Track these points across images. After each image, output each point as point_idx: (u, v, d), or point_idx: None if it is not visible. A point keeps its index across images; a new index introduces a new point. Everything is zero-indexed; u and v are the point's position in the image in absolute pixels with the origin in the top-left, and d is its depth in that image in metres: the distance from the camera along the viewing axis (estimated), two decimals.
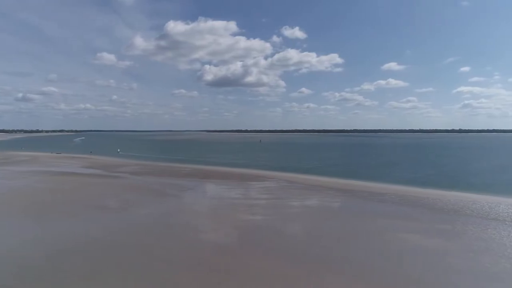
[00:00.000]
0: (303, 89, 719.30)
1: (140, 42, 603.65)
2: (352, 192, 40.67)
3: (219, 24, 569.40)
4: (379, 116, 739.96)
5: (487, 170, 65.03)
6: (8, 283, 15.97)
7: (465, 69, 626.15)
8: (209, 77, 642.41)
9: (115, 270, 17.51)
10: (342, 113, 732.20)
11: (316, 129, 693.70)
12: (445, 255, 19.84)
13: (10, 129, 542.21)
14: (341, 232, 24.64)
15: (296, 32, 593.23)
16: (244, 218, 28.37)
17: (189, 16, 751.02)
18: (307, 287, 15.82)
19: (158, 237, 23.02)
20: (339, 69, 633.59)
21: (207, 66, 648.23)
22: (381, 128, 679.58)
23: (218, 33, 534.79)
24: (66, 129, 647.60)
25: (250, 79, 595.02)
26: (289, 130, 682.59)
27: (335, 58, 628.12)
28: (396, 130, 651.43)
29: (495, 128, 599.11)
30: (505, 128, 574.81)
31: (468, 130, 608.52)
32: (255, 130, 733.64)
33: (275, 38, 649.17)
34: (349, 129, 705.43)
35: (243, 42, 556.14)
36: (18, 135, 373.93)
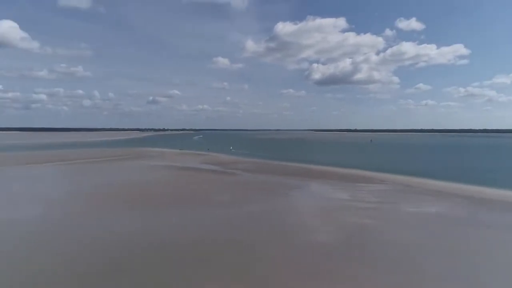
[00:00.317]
0: (420, 85, 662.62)
1: (251, 45, 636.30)
2: (482, 201, 35.74)
3: (327, 21, 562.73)
4: None
5: None
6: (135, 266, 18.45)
7: None
8: (316, 75, 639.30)
9: (217, 267, 18.36)
10: (469, 111, 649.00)
11: (436, 128, 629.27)
12: None
13: (143, 127, 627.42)
14: (466, 249, 21.69)
15: (413, 24, 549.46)
16: (352, 221, 27.38)
17: (298, 16, 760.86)
18: None
19: (263, 235, 23.71)
20: (464, 61, 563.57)
21: (315, 65, 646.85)
22: None
23: (326, 31, 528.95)
24: (187, 128, 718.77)
25: (359, 76, 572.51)
26: (403, 130, 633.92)
27: (459, 49, 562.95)
28: None
29: None
30: None
31: None
32: (365, 129, 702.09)
33: (387, 32, 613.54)
34: (477, 128, 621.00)
35: (352, 38, 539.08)
36: (149, 133, 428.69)
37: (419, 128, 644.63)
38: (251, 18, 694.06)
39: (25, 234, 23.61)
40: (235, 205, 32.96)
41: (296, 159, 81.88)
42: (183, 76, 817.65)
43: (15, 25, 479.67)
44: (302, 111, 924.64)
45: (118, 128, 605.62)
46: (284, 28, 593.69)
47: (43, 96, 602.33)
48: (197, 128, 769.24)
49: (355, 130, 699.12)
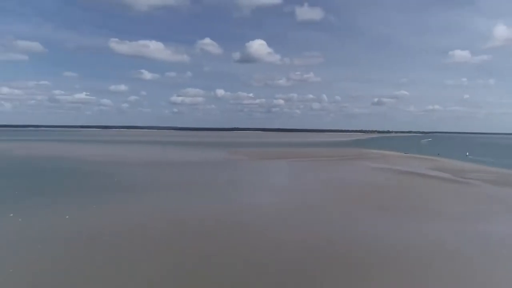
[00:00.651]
0: None
1: (502, 31, 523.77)
2: None
3: None
4: None
5: None
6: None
7: None
8: None
9: None
10: None
11: None
12: None
13: (367, 129, 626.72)
14: None
15: None
16: None
17: None
18: None
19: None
20: None
21: None
22: None
23: None
24: (413, 130, 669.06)
25: None
26: None
27: None
28: None
29: None
30: None
31: None
32: None
33: None
34: None
35: None
36: (372, 135, 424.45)
37: None
38: None
39: (274, 215, 27.04)
40: (466, 221, 27.16)
41: None
42: (411, 74, 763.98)
43: (263, 42, 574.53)
44: None
45: (342, 130, 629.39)
46: None
47: (281, 101, 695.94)
48: (425, 130, 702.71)
49: None
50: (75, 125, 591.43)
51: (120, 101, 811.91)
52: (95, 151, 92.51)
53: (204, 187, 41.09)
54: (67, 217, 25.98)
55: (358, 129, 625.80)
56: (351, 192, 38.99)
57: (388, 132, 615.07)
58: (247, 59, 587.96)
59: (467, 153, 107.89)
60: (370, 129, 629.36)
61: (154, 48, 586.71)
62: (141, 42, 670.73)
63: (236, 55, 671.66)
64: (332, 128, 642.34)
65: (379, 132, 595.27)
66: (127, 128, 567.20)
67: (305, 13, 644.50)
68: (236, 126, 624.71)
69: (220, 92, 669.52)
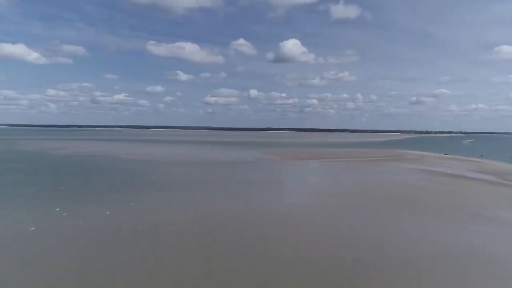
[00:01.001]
0: None
1: None
2: None
3: None
4: None
5: None
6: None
7: None
8: None
9: None
10: None
11: None
12: None
13: (403, 129, 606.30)
14: None
15: None
16: None
17: None
18: None
19: None
20: None
21: None
22: None
23: None
24: (454, 131, 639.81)
25: None
26: None
27: None
28: None
29: None
30: None
31: None
32: None
33: None
34: None
35: None
36: (409, 135, 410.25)
37: None
38: None
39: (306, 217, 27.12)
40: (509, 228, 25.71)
41: None
42: (453, 72, 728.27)
43: (297, 42, 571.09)
44: None
45: (378, 130, 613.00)
46: None
47: (315, 101, 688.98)
48: (467, 130, 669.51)
49: None
50: (114, 125, 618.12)
51: (157, 101, 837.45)
52: (133, 150, 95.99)
53: (236, 187, 41.61)
54: (108, 213, 27.26)
55: (394, 129, 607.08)
56: (387, 194, 37.95)
57: (427, 132, 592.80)
58: (281, 59, 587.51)
59: None
60: (407, 129, 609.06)
61: (190, 49, 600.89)
62: (177, 44, 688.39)
63: (270, 55, 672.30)
64: (367, 128, 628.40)
65: (416, 132, 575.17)
66: (163, 128, 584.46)
67: (340, 10, 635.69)
68: (269, 126, 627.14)
69: (253, 92, 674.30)
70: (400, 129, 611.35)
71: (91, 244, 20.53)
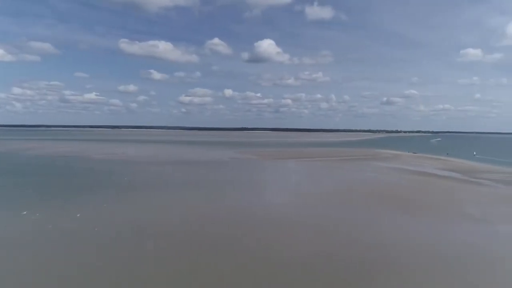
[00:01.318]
0: None
1: None
2: None
3: None
4: None
5: None
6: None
7: None
8: None
9: None
10: None
11: None
12: None
13: (375, 129, 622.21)
14: None
15: None
16: None
17: None
18: None
19: None
20: None
21: None
22: None
23: None
24: (422, 130, 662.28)
25: None
26: None
27: None
28: None
29: None
30: None
31: None
32: None
33: None
34: None
35: None
36: (381, 135, 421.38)
37: None
38: None
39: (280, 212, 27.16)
40: (484, 223, 26.86)
41: None
42: (423, 73, 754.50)
43: (272, 42, 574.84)
44: None
45: (351, 129, 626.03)
46: None
47: (289, 101, 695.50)
48: (435, 130, 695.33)
49: None
50: (85, 125, 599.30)
51: (129, 101, 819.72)
52: (106, 151, 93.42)
53: (212, 186, 41.28)
54: (78, 215, 26.32)
55: (366, 129, 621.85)
56: (366, 192, 38.77)
57: (397, 131, 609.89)
58: (256, 59, 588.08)
59: (475, 153, 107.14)
60: (379, 129, 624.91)
61: (164, 48, 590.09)
62: (151, 42, 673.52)
63: (245, 55, 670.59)
64: (340, 128, 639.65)
65: (387, 132, 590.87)
66: (136, 128, 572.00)
67: (315, 12, 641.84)
68: (244, 126, 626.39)
69: (229, 92, 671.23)
70: (372, 128, 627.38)
71: (61, 248, 19.68)
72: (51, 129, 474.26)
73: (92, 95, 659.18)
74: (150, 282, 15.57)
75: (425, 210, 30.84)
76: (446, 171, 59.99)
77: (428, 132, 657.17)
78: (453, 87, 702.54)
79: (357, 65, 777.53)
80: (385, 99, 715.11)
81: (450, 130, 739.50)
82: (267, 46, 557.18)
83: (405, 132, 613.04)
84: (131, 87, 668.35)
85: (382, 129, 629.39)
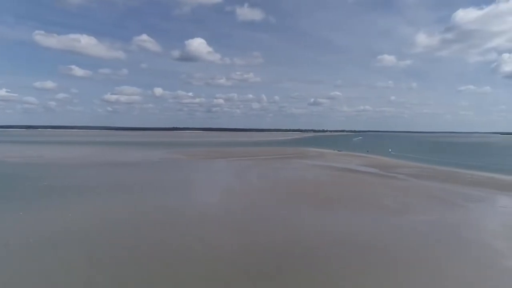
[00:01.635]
0: None
1: (422, 39, 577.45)
2: None
3: None
4: None
5: None
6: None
7: None
8: (508, 68, 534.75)
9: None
10: None
11: None
12: None
13: (304, 128, 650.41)
14: None
15: None
16: None
17: (483, 0, 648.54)
18: None
19: (438, 253, 20.21)
20: None
21: (506, 55, 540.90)
22: None
23: None
24: (346, 129, 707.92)
25: None
26: None
27: None
28: None
29: None
30: None
31: None
32: None
33: None
34: None
35: None
36: (308, 134, 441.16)
37: None
38: (423, 8, 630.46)
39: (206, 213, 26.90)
40: (398, 212, 29.66)
41: (477, 167, 69.21)
42: (346, 76, 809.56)
43: (203, 41, 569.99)
44: (486, 110, 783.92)
45: (281, 129, 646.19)
46: (465, 15, 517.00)
47: (221, 101, 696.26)
48: (357, 129, 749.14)
49: None
50: None
51: (47, 98, 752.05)
52: (21, 153, 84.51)
53: (139, 188, 39.70)
54: None
55: (296, 129, 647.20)
56: (292, 189, 40.34)
57: (323, 131, 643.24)
58: (187, 58, 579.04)
59: (390, 150, 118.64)
60: (307, 129, 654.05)
61: (86, 42, 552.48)
62: (71, 36, 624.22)
63: (175, 53, 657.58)
64: (271, 128, 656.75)
65: (315, 131, 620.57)
66: (56, 128, 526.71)
67: (245, 13, 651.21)
68: (175, 126, 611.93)
69: (158, 90, 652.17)
70: (301, 128, 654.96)
71: None
72: None
73: (2, 92, 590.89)
74: None
75: (345, 203, 33.10)
76: (366, 167, 64.97)
77: (352, 131, 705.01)
78: (372, 89, 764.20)
79: (286, 67, 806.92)
80: (312, 100, 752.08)
81: (370, 129, 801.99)
82: (198, 45, 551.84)
83: (331, 131, 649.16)
84: (49, 84, 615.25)
85: (310, 128, 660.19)
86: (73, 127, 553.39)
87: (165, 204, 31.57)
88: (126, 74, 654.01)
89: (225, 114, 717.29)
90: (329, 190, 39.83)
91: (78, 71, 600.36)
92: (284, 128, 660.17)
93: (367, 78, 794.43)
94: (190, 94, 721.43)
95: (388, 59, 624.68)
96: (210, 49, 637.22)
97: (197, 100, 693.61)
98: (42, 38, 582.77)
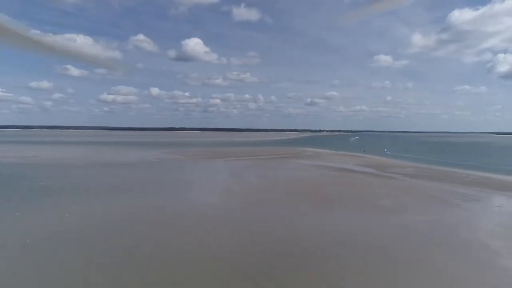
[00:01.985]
0: None
1: (418, 39, 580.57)
2: None
3: None
4: None
5: None
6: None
7: None
8: (503, 68, 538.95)
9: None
10: None
11: None
12: None
13: (300, 128, 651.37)
14: None
15: None
16: None
17: (479, 0, 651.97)
18: None
19: (437, 252, 20.32)
20: None
21: (501, 56, 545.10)
22: None
23: None
24: (343, 129, 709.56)
25: None
26: None
27: None
28: None
29: None
30: None
31: None
32: None
33: None
34: None
35: None
36: (305, 134, 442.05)
37: None
38: (419, 9, 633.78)
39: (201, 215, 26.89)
40: (395, 212, 29.77)
41: (473, 166, 69.66)
42: (342, 77, 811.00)
43: (200, 41, 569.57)
44: (481, 110, 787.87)
45: (278, 129, 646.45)
46: (461, 15, 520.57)
47: (218, 101, 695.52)
48: (354, 129, 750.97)
49: None
50: None
51: (43, 99, 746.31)
52: (17, 153, 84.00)
53: (137, 188, 39.57)
54: None
55: (293, 129, 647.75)
56: (290, 189, 40.41)
57: (320, 131, 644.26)
58: (183, 58, 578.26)
59: (386, 150, 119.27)
60: (304, 129, 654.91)
61: (82, 42, 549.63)
62: (67, 35, 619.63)
63: (172, 53, 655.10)
64: (268, 128, 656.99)
65: (311, 131, 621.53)
66: (52, 128, 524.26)
67: (242, 13, 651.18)
68: (172, 126, 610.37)
69: (155, 90, 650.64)
70: (298, 128, 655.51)
71: None
72: None
73: None
74: None
75: (344, 203, 33.22)
76: (363, 166, 65.18)
77: (348, 131, 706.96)
78: (368, 89, 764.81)
79: (283, 67, 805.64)
80: (309, 100, 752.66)
81: (367, 129, 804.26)
82: (194, 44, 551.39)
83: (327, 131, 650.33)
84: (45, 84, 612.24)
85: (307, 128, 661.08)
86: (69, 127, 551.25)
87: (164, 204, 31.53)
88: (122, 74, 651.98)
89: (221, 114, 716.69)
90: (328, 190, 39.95)
91: (74, 71, 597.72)
92: (280, 128, 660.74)
93: (364, 78, 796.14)
94: (187, 94, 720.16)
95: (384, 59, 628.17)
96: (206, 49, 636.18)
97: (194, 100, 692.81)
98: (38, 37, 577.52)
